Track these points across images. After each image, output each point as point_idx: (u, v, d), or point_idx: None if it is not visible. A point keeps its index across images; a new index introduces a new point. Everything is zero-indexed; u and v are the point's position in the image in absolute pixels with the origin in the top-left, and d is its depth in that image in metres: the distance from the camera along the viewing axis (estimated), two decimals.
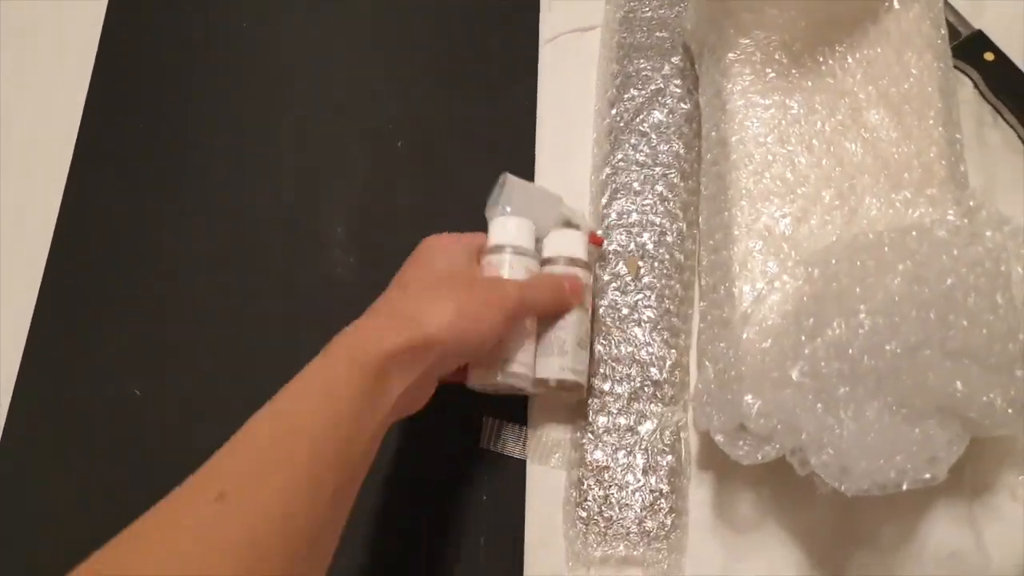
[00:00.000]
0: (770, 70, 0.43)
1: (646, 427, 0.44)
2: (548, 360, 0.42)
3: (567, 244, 0.44)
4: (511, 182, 0.45)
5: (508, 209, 0.44)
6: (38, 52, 0.55)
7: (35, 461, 0.45)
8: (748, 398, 0.36)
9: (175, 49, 0.55)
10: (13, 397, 0.46)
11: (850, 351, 0.32)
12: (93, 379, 0.47)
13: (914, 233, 0.33)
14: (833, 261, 0.34)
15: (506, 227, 0.43)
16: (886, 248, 0.33)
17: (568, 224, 0.45)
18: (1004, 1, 0.51)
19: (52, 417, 0.46)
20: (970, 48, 0.49)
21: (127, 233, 0.50)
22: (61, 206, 0.50)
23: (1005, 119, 0.49)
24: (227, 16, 0.56)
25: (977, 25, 0.50)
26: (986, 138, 0.48)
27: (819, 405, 0.32)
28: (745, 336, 0.36)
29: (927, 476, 0.30)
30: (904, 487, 0.30)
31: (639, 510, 0.42)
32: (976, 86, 0.50)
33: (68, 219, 0.50)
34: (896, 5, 0.44)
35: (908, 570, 0.41)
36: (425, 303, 0.37)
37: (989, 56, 0.49)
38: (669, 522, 0.42)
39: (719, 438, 0.35)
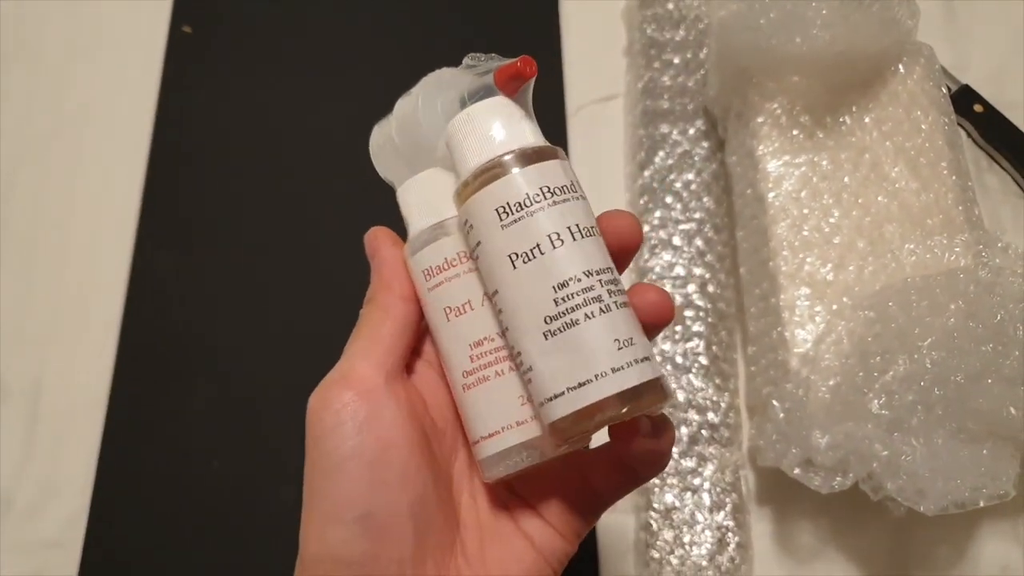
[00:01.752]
0: (796, 131, 0.48)
1: (708, 468, 0.46)
2: (575, 367, 0.25)
3: (464, 150, 0.27)
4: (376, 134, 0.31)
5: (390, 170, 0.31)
6: (93, 139, 0.57)
7: (121, 539, 0.46)
8: (816, 433, 0.39)
9: (227, 125, 0.57)
10: (96, 478, 0.47)
11: (921, 383, 0.35)
12: (173, 453, 0.48)
13: (962, 275, 0.37)
14: (890, 304, 0.38)
15: (407, 208, 0.29)
16: (938, 290, 0.37)
17: (466, 99, 0.28)
18: (984, 56, 0.57)
19: (135, 490, 0.47)
20: (960, 102, 0.54)
21: (196, 302, 0.52)
22: (128, 286, 0.52)
23: (1000, 164, 0.54)
24: (272, 91, 0.59)
25: (963, 80, 0.56)
26: (985, 182, 0.53)
27: (894, 435, 0.36)
28: (807, 377, 0.39)
29: (1001, 492, 0.33)
30: (981, 504, 0.34)
31: (710, 546, 0.45)
32: (969, 135, 0.55)
33: (138, 296, 0.52)
34: (901, 69, 0.48)
35: None
36: (302, 520, 0.27)
37: (978, 108, 0.55)
38: (737, 556, 0.45)
39: (796, 471, 0.38)
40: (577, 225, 0.25)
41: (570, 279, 0.25)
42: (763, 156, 0.48)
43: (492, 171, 0.26)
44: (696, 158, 0.53)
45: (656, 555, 0.45)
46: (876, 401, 0.36)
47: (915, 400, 0.35)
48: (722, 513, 0.46)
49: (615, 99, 0.58)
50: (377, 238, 0.31)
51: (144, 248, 0.53)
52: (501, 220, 0.25)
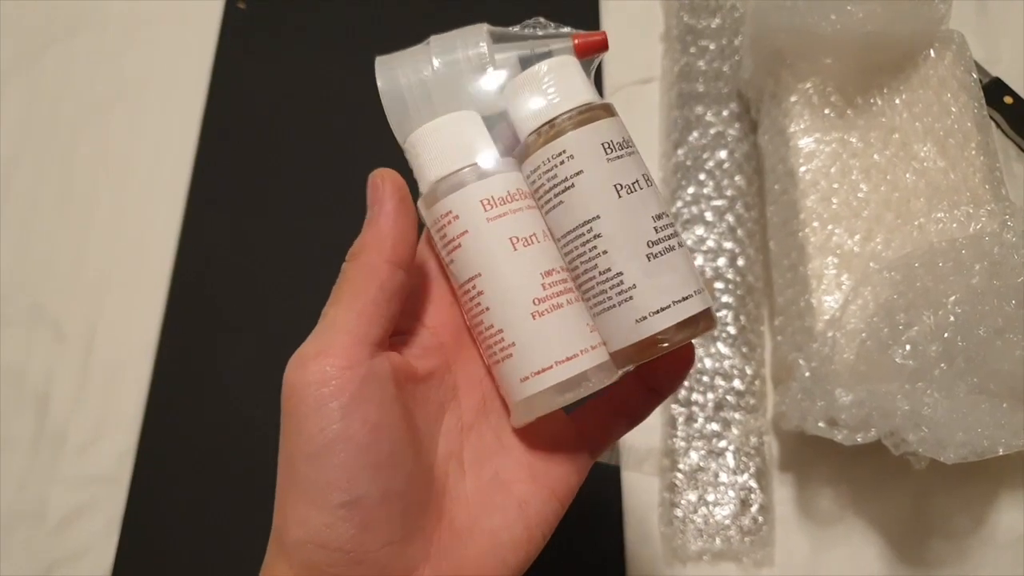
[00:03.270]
0: (828, 111, 0.49)
1: (733, 432, 0.48)
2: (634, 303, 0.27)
3: (557, 91, 0.28)
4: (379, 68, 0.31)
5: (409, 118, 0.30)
6: (150, 105, 0.60)
7: (167, 478, 0.49)
8: (840, 391, 0.40)
9: (279, 99, 0.60)
10: (144, 418, 0.50)
11: (945, 335, 0.37)
12: (219, 400, 0.50)
13: (987, 238, 0.39)
14: (916, 265, 0.39)
15: (437, 145, 0.29)
16: (963, 251, 0.38)
17: (527, 58, 0.29)
18: (1014, 49, 0.58)
19: (181, 432, 0.49)
20: (991, 93, 0.56)
21: (243, 262, 0.54)
22: (180, 241, 0.54)
23: None
24: (325, 67, 0.61)
25: (994, 73, 0.57)
26: (1014, 171, 0.54)
27: (917, 385, 0.37)
28: (834, 336, 0.41)
29: (1021, 443, 0.35)
30: (1000, 452, 0.35)
31: (733, 507, 0.46)
32: (999, 126, 0.56)
33: (188, 251, 0.54)
34: (933, 54, 0.50)
35: (980, 554, 0.45)
36: (279, 502, 0.26)
37: (1008, 100, 0.56)
38: (760, 518, 0.46)
39: (820, 425, 0.40)
40: (647, 173, 0.28)
41: (663, 212, 0.28)
42: (795, 134, 0.49)
43: (595, 111, 0.28)
44: (729, 139, 0.55)
45: (680, 514, 0.47)
46: (900, 352, 0.37)
47: (938, 351, 0.37)
48: (746, 475, 0.47)
49: (652, 82, 0.60)
50: (384, 184, 0.28)
51: (195, 206, 0.56)
52: (607, 154, 0.27)
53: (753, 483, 0.47)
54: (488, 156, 0.29)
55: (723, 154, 0.55)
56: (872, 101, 0.49)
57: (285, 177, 0.57)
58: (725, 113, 0.56)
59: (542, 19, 0.31)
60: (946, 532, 0.46)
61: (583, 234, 0.28)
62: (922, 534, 0.46)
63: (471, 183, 0.28)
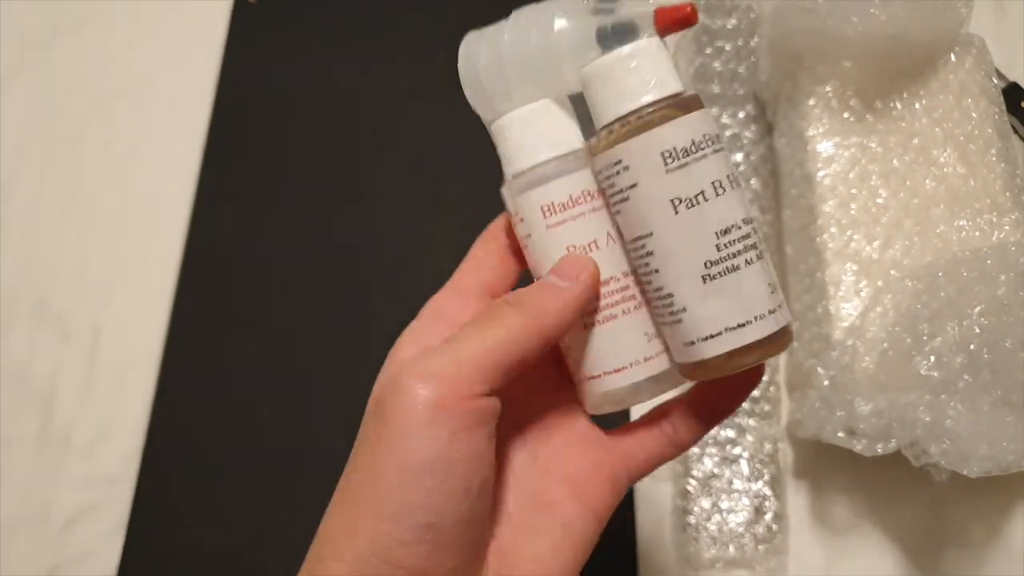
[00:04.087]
0: (847, 114, 0.49)
1: (748, 439, 0.47)
2: (710, 315, 0.26)
3: (623, 86, 0.26)
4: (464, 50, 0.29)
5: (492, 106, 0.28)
6: (158, 100, 0.59)
7: (173, 478, 0.48)
8: (860, 401, 0.40)
9: (288, 94, 0.59)
10: (150, 418, 0.49)
11: (971, 346, 0.36)
12: (225, 400, 0.49)
13: (1013, 248, 0.38)
14: (939, 274, 0.39)
15: (520, 140, 0.28)
16: (988, 261, 0.38)
17: (604, 33, 0.27)
18: None
19: (188, 432, 0.49)
20: (1008, 98, 0.55)
21: (251, 260, 0.54)
22: (187, 239, 0.54)
23: None
24: (334, 60, 0.60)
25: (1012, 77, 0.56)
26: None
27: (940, 396, 0.37)
28: (853, 344, 0.40)
29: None
30: None
31: (747, 514, 0.46)
32: (1016, 131, 0.56)
33: (195, 249, 0.54)
34: (953, 59, 0.49)
35: (996, 565, 0.45)
36: (343, 508, 0.26)
37: None
38: (774, 526, 0.46)
39: (839, 434, 0.39)
40: (731, 174, 0.26)
41: (732, 226, 0.25)
42: (813, 137, 0.49)
43: (658, 113, 0.25)
44: (744, 141, 0.55)
45: (693, 521, 0.46)
46: (924, 363, 0.37)
47: (963, 363, 0.36)
48: (760, 482, 0.46)
49: None
50: (589, 267, 0.27)
51: (202, 205, 0.55)
52: (666, 164, 0.25)
53: (767, 490, 0.46)
54: (553, 153, 0.28)
55: (739, 156, 0.54)
56: (892, 105, 0.49)
57: (294, 174, 0.57)
58: (741, 115, 0.55)
59: None
60: (962, 543, 0.45)
61: (638, 248, 0.26)
62: (938, 544, 0.46)
63: (534, 188, 0.28)
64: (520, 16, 0.29)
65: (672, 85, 0.26)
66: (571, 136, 0.28)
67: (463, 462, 0.24)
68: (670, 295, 0.26)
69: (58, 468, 0.48)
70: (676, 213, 0.25)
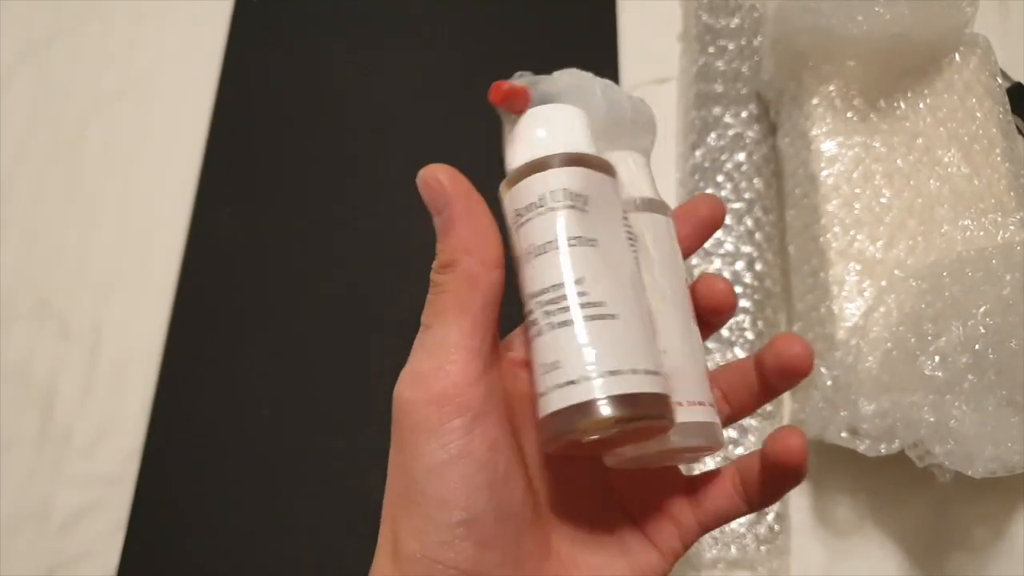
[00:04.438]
0: (850, 114, 0.48)
1: (750, 439, 0.47)
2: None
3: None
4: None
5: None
6: (159, 98, 0.59)
7: (173, 478, 0.48)
8: (863, 401, 0.39)
9: (289, 93, 0.59)
10: (151, 417, 0.49)
11: (976, 346, 0.36)
12: (225, 401, 0.49)
13: (1018, 247, 0.38)
14: (944, 275, 0.39)
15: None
16: (994, 261, 0.38)
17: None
18: None
19: (188, 432, 0.49)
20: (1013, 98, 0.55)
21: (251, 260, 0.53)
22: (187, 239, 0.53)
23: None
24: (336, 59, 0.60)
25: (1016, 77, 0.56)
26: None
27: (945, 397, 0.36)
28: (857, 344, 0.40)
29: None
30: None
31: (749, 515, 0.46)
32: (1020, 131, 0.55)
33: (196, 248, 0.53)
34: (958, 58, 0.49)
35: (1000, 566, 0.45)
36: (393, 514, 0.26)
37: None
38: (776, 526, 0.46)
39: (843, 435, 0.39)
40: (535, 243, 0.27)
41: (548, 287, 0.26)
42: (816, 137, 0.48)
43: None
44: (747, 140, 0.54)
45: None
46: (929, 363, 0.36)
47: (968, 363, 0.36)
48: None
49: (669, 82, 0.59)
50: (444, 183, 0.27)
51: (203, 203, 0.55)
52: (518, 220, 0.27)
53: None
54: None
55: (741, 156, 0.54)
56: (896, 105, 0.49)
57: (296, 173, 0.56)
58: (744, 115, 0.55)
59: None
60: (965, 544, 0.45)
61: None
62: (941, 545, 0.45)
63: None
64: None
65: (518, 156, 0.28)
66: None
67: (481, 453, 0.24)
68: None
69: (58, 467, 0.48)
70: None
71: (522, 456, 0.27)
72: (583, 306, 0.25)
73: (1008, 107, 0.49)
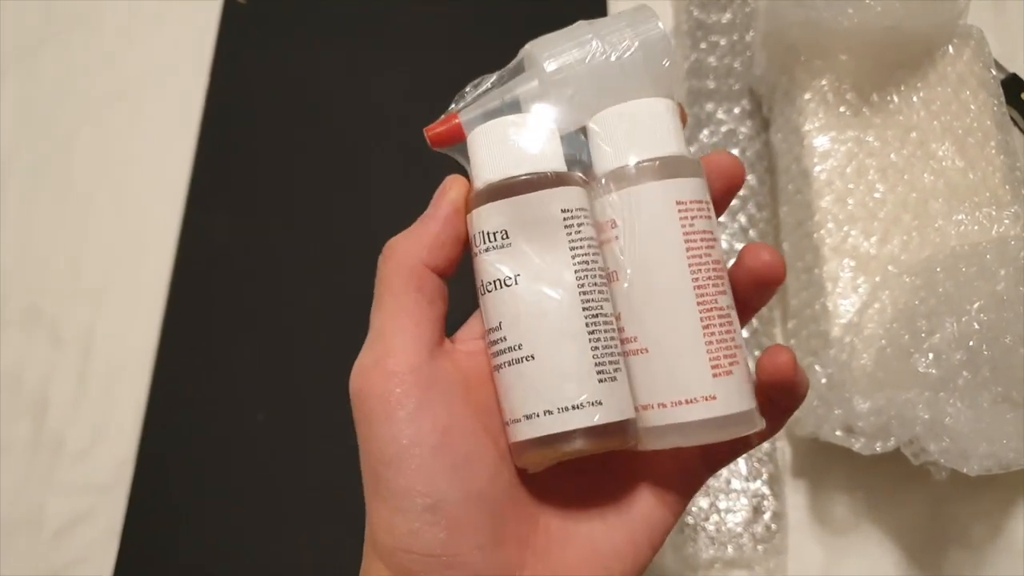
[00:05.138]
0: (843, 108, 0.48)
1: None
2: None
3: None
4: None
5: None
6: (149, 103, 0.59)
7: (167, 484, 0.48)
8: (858, 399, 0.39)
9: (278, 96, 0.59)
10: (143, 424, 0.48)
11: (969, 343, 0.36)
12: (219, 406, 0.49)
13: (1013, 242, 0.38)
14: (937, 270, 0.38)
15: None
16: (988, 256, 0.37)
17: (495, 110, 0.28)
18: None
19: (182, 439, 0.48)
20: (1008, 90, 0.54)
21: (243, 264, 0.53)
22: (179, 244, 0.53)
23: None
24: (325, 61, 0.60)
25: (1011, 69, 0.56)
26: None
27: (939, 394, 0.36)
28: (851, 341, 0.40)
29: None
30: None
31: (746, 513, 0.45)
32: (1016, 124, 0.55)
33: (187, 253, 0.53)
34: (951, 50, 0.49)
35: (997, 563, 0.44)
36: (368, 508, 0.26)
37: None
38: (773, 525, 0.45)
39: (837, 433, 0.39)
40: (499, 276, 0.27)
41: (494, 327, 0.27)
42: (809, 132, 0.48)
43: (513, 187, 0.27)
44: (740, 136, 0.54)
45: (691, 521, 0.46)
46: (923, 360, 0.36)
47: (963, 360, 0.36)
48: (758, 482, 0.46)
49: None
50: (447, 190, 0.27)
51: (194, 208, 0.54)
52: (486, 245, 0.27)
53: (766, 489, 0.46)
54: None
55: (735, 152, 0.54)
56: (889, 99, 0.48)
57: (286, 176, 0.56)
58: (736, 110, 0.55)
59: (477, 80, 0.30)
60: (963, 541, 0.45)
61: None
62: (939, 543, 0.45)
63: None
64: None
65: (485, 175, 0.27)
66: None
67: (433, 439, 0.24)
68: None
69: (51, 474, 0.48)
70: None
71: (492, 436, 0.26)
72: (500, 353, 0.26)
73: (1003, 99, 0.48)
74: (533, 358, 0.25)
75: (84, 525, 0.46)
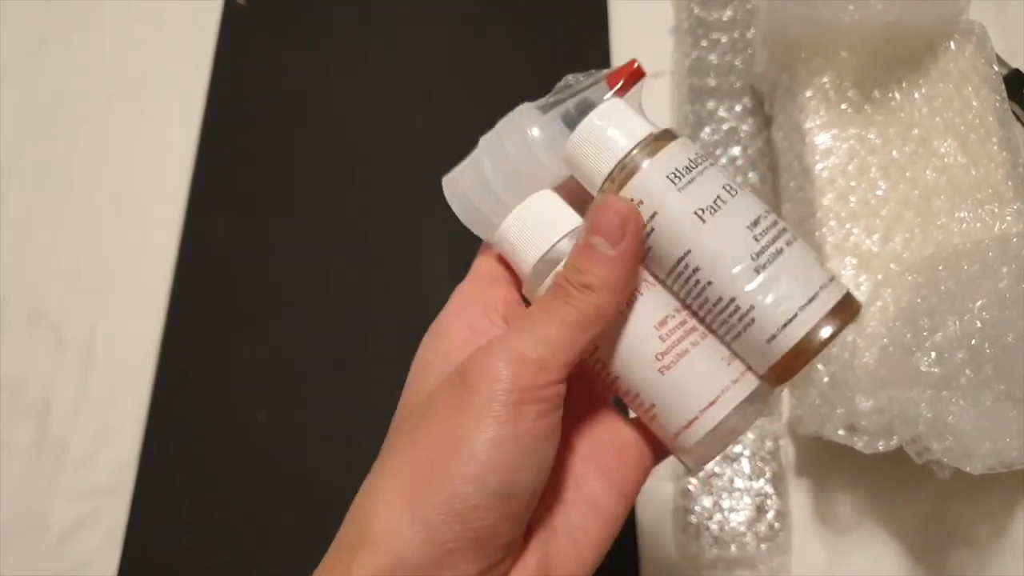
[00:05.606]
0: (845, 105, 0.48)
1: (748, 436, 0.47)
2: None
3: (603, 144, 0.28)
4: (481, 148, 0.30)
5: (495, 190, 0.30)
6: (149, 104, 0.59)
7: (170, 487, 0.48)
8: (861, 398, 0.39)
9: (278, 97, 0.59)
10: (146, 427, 0.49)
11: (972, 341, 0.35)
12: (220, 407, 0.49)
13: (1015, 239, 0.37)
14: (939, 268, 0.38)
15: (523, 231, 0.29)
16: (990, 254, 0.37)
17: (571, 118, 0.30)
18: None
19: (184, 441, 0.48)
20: (1010, 85, 0.54)
21: (245, 266, 0.53)
22: (180, 245, 0.53)
23: None
24: (326, 62, 0.60)
25: (1014, 64, 0.55)
26: None
27: (942, 393, 0.36)
28: (853, 340, 0.40)
29: None
30: None
31: (749, 512, 0.45)
32: (1019, 119, 0.55)
33: (188, 255, 0.53)
34: (953, 46, 0.48)
35: (1001, 562, 0.44)
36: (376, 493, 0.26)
37: None
38: (777, 524, 0.45)
39: (840, 432, 0.39)
40: (733, 182, 0.27)
41: (759, 217, 0.26)
42: (811, 130, 0.48)
43: (648, 147, 0.27)
44: (742, 134, 0.54)
45: (694, 520, 0.46)
46: (925, 359, 0.36)
47: (965, 358, 0.35)
48: (761, 480, 0.46)
49: (662, 76, 0.58)
50: (632, 220, 0.26)
51: (195, 208, 0.54)
52: (676, 184, 0.26)
53: (769, 488, 0.46)
54: (571, 225, 0.29)
55: (736, 150, 0.53)
56: (890, 96, 0.48)
57: (287, 177, 0.56)
58: (738, 108, 0.55)
59: (570, 77, 0.31)
60: (967, 539, 0.45)
61: (682, 272, 0.27)
62: (942, 541, 0.45)
63: (564, 257, 0.28)
64: (489, 142, 0.30)
65: (647, 127, 0.28)
66: (572, 213, 0.29)
67: (541, 440, 0.26)
68: (732, 299, 0.26)
69: (54, 479, 0.48)
70: (704, 222, 0.26)
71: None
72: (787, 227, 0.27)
73: (1005, 95, 0.48)
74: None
75: (87, 528, 0.47)
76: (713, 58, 0.57)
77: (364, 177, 0.56)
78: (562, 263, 0.28)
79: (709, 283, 0.26)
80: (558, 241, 0.28)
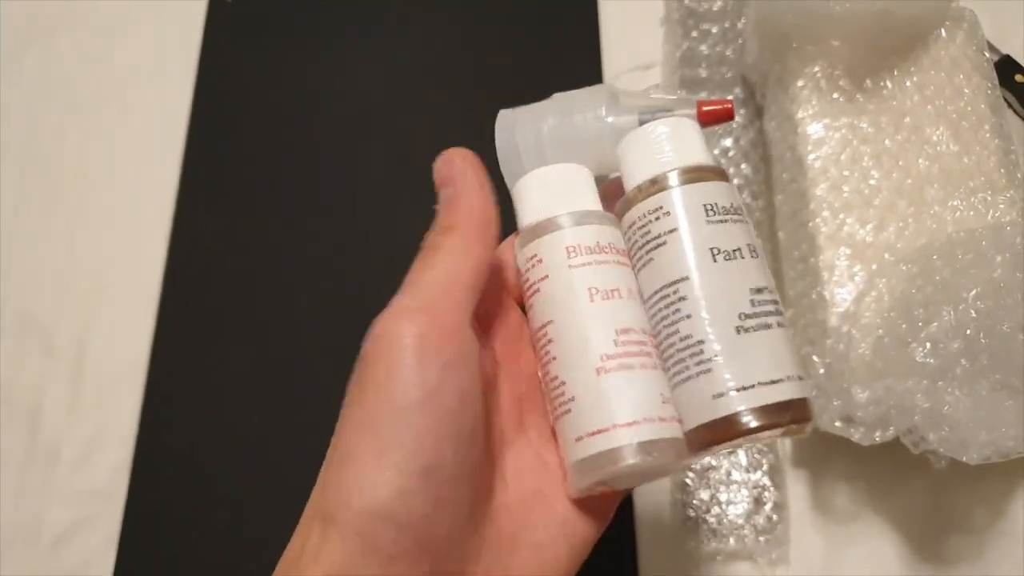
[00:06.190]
0: (836, 95, 0.48)
1: None
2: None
3: (666, 149, 0.28)
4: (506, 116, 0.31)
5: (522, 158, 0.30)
6: (136, 105, 0.58)
7: (164, 491, 0.47)
8: (857, 389, 0.39)
9: (266, 95, 0.58)
10: (139, 430, 0.48)
11: (967, 331, 0.35)
12: (213, 410, 0.49)
13: (1008, 228, 0.37)
14: (934, 257, 0.38)
15: (540, 191, 0.29)
16: (984, 243, 0.37)
17: (644, 113, 0.30)
18: None
19: (177, 443, 0.48)
20: (1002, 72, 0.54)
21: (235, 266, 0.53)
22: (170, 247, 0.53)
23: None
24: (313, 59, 0.59)
25: (1004, 50, 0.55)
26: None
27: (938, 383, 0.36)
28: (848, 331, 0.40)
29: None
30: None
31: (747, 505, 0.45)
32: (1011, 105, 0.54)
33: (179, 256, 0.53)
34: (944, 34, 0.48)
35: (999, 550, 0.44)
36: (337, 467, 0.24)
37: (1020, 78, 0.54)
38: (775, 516, 0.45)
39: (837, 424, 0.39)
40: (756, 243, 0.27)
41: (764, 287, 0.26)
42: (803, 120, 0.47)
43: (703, 172, 0.27)
44: (734, 125, 0.54)
45: (692, 514, 0.46)
46: (920, 349, 0.36)
47: (960, 348, 0.35)
48: (759, 472, 0.46)
49: (652, 68, 0.58)
50: (460, 160, 0.27)
51: (184, 211, 0.54)
52: (707, 215, 0.26)
53: (767, 480, 0.46)
54: (586, 206, 0.29)
55: (728, 142, 0.53)
56: (882, 84, 0.48)
57: (277, 177, 0.56)
58: (729, 99, 0.54)
59: (659, 84, 0.33)
60: (965, 528, 0.45)
61: (668, 295, 0.26)
62: (940, 530, 0.45)
63: (560, 229, 0.28)
64: (561, 102, 0.31)
65: (709, 157, 0.29)
66: (596, 200, 0.29)
67: (453, 401, 0.24)
68: (700, 342, 0.25)
69: (47, 483, 0.47)
70: (714, 261, 0.26)
71: (490, 438, 0.27)
72: (782, 312, 0.28)
73: (996, 81, 0.48)
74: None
75: (82, 533, 0.46)
76: (704, 48, 0.56)
77: (353, 175, 0.56)
78: (543, 237, 0.28)
79: (688, 316, 0.26)
80: (556, 216, 0.28)
